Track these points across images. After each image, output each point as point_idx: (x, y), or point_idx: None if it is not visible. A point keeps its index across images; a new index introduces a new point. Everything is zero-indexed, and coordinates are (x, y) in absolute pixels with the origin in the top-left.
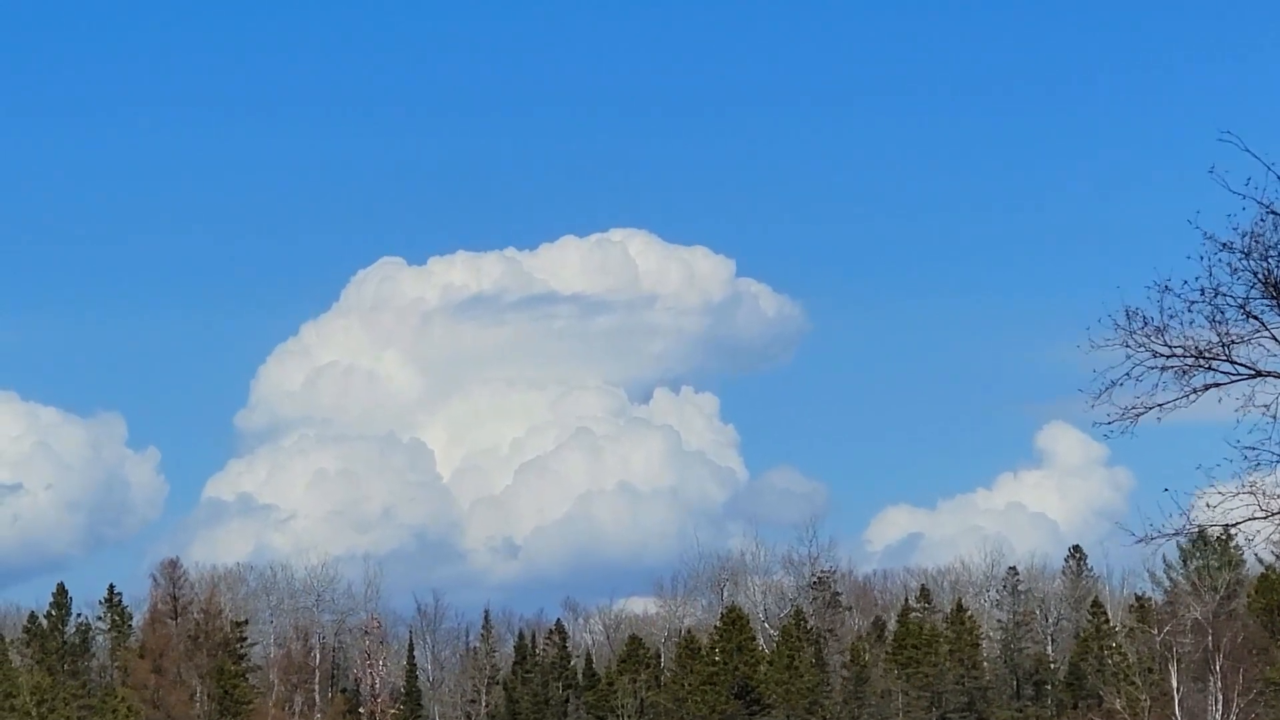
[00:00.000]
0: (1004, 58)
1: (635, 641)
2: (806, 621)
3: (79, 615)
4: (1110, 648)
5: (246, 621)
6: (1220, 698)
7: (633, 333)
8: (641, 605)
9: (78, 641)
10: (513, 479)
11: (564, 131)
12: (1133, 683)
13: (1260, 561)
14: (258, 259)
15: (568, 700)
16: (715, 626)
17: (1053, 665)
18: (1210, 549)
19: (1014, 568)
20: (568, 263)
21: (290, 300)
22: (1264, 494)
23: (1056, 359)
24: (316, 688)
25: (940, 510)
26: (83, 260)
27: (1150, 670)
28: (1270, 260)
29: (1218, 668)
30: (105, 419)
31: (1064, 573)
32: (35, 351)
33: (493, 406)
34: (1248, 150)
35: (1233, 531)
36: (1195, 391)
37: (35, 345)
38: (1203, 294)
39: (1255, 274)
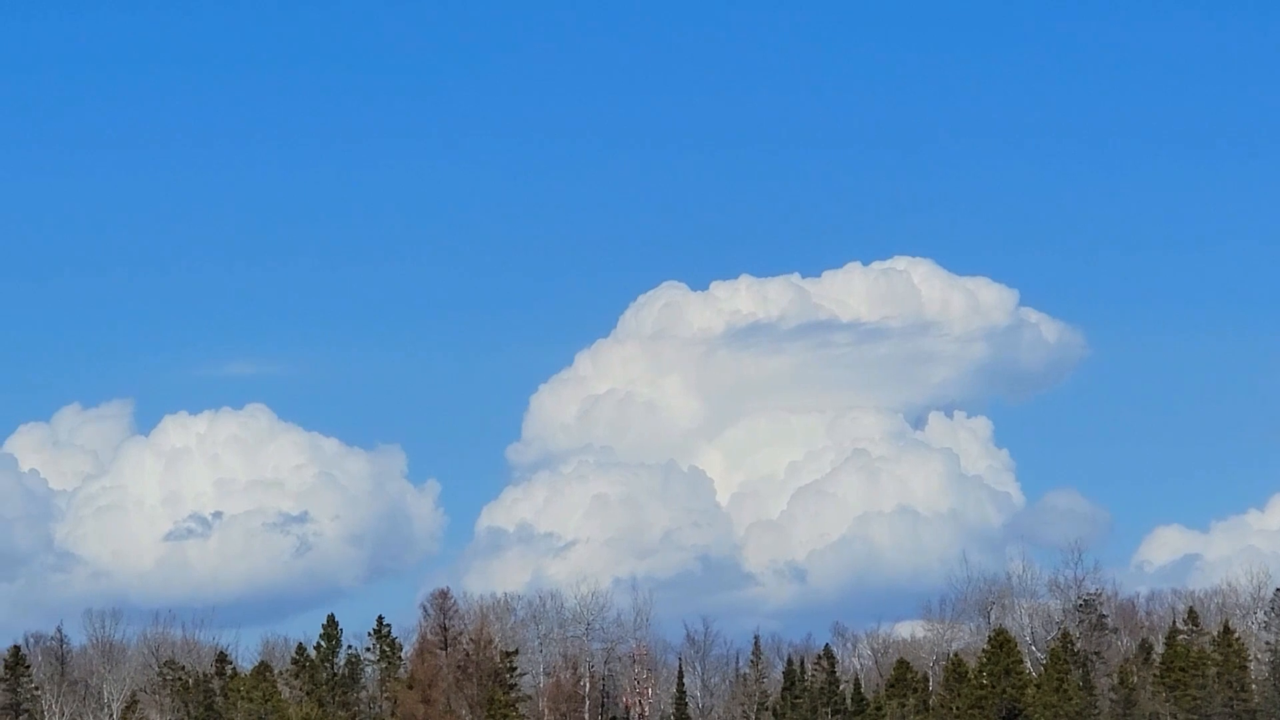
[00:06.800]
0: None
1: (903, 665)
2: (1074, 644)
3: (349, 647)
4: None
5: (516, 651)
6: None
7: (910, 360)
8: (909, 629)
9: (347, 673)
10: (788, 503)
11: (852, 160)
12: None
13: None
14: (533, 290)
15: None
16: (983, 650)
17: None
18: None
19: None
20: (852, 290)
21: (565, 329)
22: None
23: None
24: (586, 716)
25: (1213, 531)
26: (361, 296)
27: None
28: None
29: None
30: (386, 451)
31: None
32: (316, 385)
33: (770, 432)
34: None
35: None
36: None
37: (316, 379)
38: None
39: None
